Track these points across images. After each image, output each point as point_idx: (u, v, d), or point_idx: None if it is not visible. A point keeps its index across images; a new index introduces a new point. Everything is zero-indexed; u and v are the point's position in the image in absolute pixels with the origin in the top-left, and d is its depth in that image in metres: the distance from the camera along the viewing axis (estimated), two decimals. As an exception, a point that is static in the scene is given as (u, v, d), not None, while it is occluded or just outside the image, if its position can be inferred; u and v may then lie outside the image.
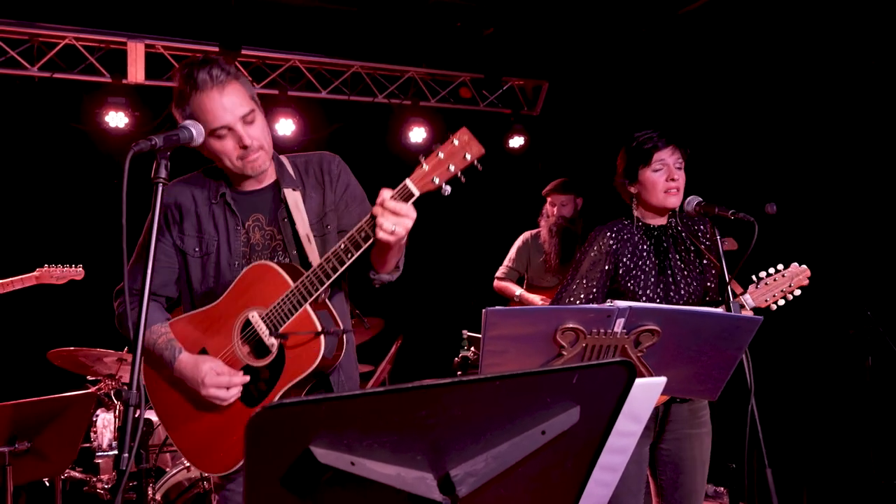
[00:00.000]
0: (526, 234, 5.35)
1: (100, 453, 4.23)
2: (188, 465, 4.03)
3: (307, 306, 2.06)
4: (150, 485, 3.92)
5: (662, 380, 1.40)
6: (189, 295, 2.28)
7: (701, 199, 2.58)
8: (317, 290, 2.04)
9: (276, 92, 6.03)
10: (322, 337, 2.06)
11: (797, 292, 2.62)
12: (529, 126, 6.92)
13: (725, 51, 5.28)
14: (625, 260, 2.65)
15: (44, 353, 4.08)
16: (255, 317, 2.12)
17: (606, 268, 2.65)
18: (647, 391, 1.36)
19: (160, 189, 1.80)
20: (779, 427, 4.21)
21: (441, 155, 1.92)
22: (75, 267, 4.49)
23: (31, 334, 5.16)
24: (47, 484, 4.12)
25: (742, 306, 2.60)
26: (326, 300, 2.18)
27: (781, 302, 2.63)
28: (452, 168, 1.92)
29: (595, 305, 2.42)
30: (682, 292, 2.66)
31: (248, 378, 2.14)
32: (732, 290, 2.44)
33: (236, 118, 2.08)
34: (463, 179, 1.96)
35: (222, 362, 2.16)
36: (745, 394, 2.30)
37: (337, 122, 6.61)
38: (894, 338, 3.75)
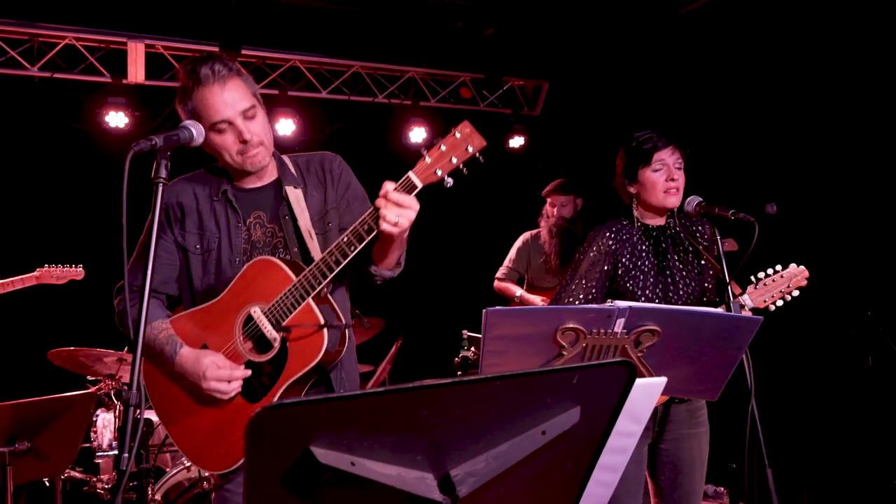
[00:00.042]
0: (526, 235, 5.35)
1: (100, 453, 4.23)
2: (188, 465, 4.03)
3: (310, 300, 2.07)
4: (150, 485, 3.92)
5: (663, 380, 1.40)
6: (189, 292, 2.28)
7: (701, 199, 2.58)
8: (320, 283, 2.05)
9: (276, 92, 6.03)
10: (325, 330, 2.07)
11: (795, 293, 2.63)
12: (529, 126, 6.92)
13: (725, 51, 5.28)
14: (624, 260, 2.65)
15: (44, 353, 4.08)
16: (257, 312, 2.12)
17: (605, 268, 2.65)
18: (647, 391, 1.36)
19: (160, 189, 1.80)
20: (779, 427, 4.21)
21: (443, 147, 1.94)
22: (75, 267, 4.49)
23: (31, 334, 5.16)
24: (47, 484, 4.12)
25: (742, 307, 2.60)
26: (328, 295, 2.18)
27: (780, 303, 2.63)
28: (455, 160, 1.94)
29: (595, 305, 2.42)
30: (681, 293, 2.66)
31: (249, 372, 2.14)
32: (731, 291, 2.44)
33: (237, 113, 2.10)
34: (465, 171, 1.98)
35: (224, 356, 2.16)
36: (745, 394, 2.30)
37: (337, 122, 6.61)
38: (894, 338, 3.75)
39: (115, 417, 4.26)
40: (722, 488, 4.83)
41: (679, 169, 2.65)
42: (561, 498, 1.23)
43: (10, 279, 4.29)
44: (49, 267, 4.40)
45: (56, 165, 5.80)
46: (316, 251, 2.18)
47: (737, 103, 5.22)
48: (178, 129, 1.93)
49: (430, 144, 1.97)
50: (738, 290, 2.64)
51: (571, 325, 1.97)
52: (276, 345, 2.11)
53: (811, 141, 4.78)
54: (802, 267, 2.63)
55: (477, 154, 1.95)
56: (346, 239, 2.02)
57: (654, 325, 2.00)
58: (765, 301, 2.61)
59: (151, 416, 3.78)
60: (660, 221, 2.73)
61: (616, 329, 2.00)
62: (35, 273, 4.36)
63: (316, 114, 6.46)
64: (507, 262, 5.34)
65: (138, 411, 1.66)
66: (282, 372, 2.11)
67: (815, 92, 4.76)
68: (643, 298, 2.63)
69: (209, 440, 2.20)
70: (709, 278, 2.72)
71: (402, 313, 5.58)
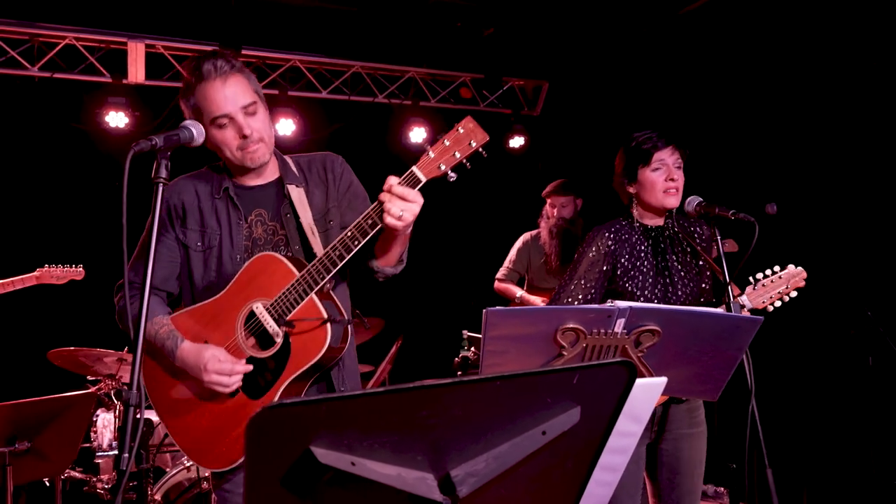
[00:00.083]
0: (526, 236, 5.35)
1: (100, 453, 4.23)
2: (188, 465, 4.03)
3: (313, 295, 2.07)
4: (150, 485, 3.92)
5: (663, 380, 1.40)
6: (190, 290, 2.28)
7: (701, 199, 2.58)
8: (323, 278, 2.05)
9: (276, 92, 6.03)
10: (329, 325, 2.07)
11: (793, 294, 2.63)
12: (530, 126, 6.92)
13: (726, 51, 5.28)
14: (623, 261, 2.65)
15: (44, 353, 4.08)
16: (259, 308, 2.12)
17: (605, 268, 2.65)
18: (647, 391, 1.36)
19: (160, 189, 1.80)
20: (779, 427, 4.21)
21: (447, 142, 1.97)
22: (76, 267, 4.49)
23: (31, 334, 5.16)
24: (47, 484, 4.12)
25: (742, 307, 2.60)
26: (331, 291, 2.19)
27: (778, 304, 2.64)
28: (458, 155, 1.97)
29: (596, 306, 2.42)
30: (680, 293, 2.66)
31: (250, 367, 2.14)
32: (731, 291, 2.44)
33: (237, 108, 2.12)
34: (468, 166, 2.00)
35: (225, 350, 2.16)
36: (745, 394, 2.30)
37: (337, 122, 6.61)
38: (894, 338, 3.75)
39: (115, 417, 4.26)
40: (722, 488, 4.83)
41: (678, 169, 2.65)
42: (561, 498, 1.23)
43: (11, 279, 4.29)
44: (49, 267, 4.40)
45: (56, 165, 5.80)
46: (318, 248, 2.18)
47: (737, 103, 5.22)
48: (179, 129, 1.93)
49: (433, 140, 2.00)
50: (736, 291, 2.64)
51: (572, 326, 1.97)
52: (279, 340, 2.11)
53: (811, 141, 4.78)
54: (800, 268, 2.64)
55: (480, 149, 1.98)
56: (349, 234, 2.03)
57: (655, 326, 2.00)
58: (763, 302, 2.62)
59: (151, 416, 3.78)
60: (658, 222, 2.73)
61: (616, 329, 2.00)
62: (35, 273, 4.36)
63: (316, 114, 6.46)
64: (507, 263, 5.34)
65: (138, 411, 1.66)
66: (284, 368, 2.11)
67: (815, 92, 4.76)
68: (642, 299, 2.63)
69: (210, 437, 2.19)
70: (706, 279, 2.72)
71: (402, 313, 5.58)
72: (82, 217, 5.65)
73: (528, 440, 1.10)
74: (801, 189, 4.69)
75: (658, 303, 2.63)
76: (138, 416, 1.66)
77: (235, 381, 2.13)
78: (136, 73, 5.79)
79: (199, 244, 2.25)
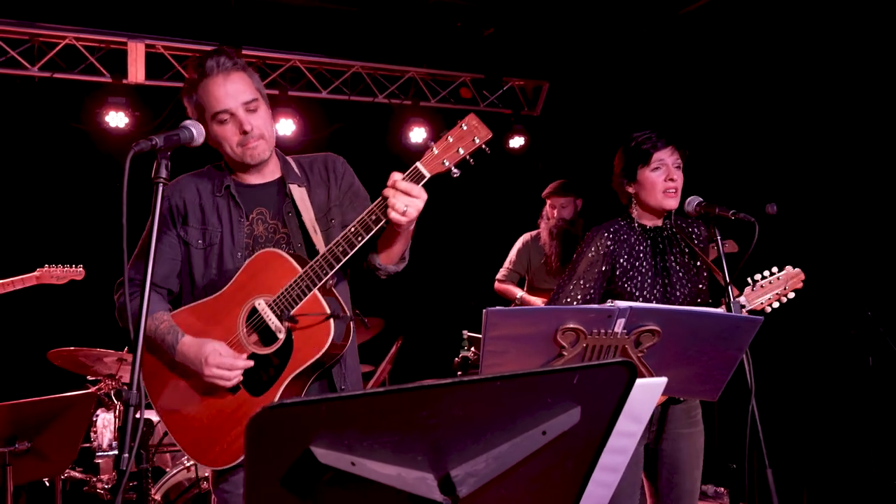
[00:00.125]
0: (526, 236, 5.35)
1: (100, 453, 4.23)
2: (188, 464, 4.03)
3: (316, 291, 2.07)
4: (150, 485, 3.92)
5: (663, 380, 1.40)
6: (190, 288, 2.28)
7: (701, 199, 2.58)
8: (326, 273, 2.06)
9: (276, 92, 6.03)
10: (332, 321, 2.07)
11: (791, 295, 2.64)
12: (530, 126, 6.92)
13: (726, 51, 5.28)
14: (622, 261, 2.65)
15: (44, 353, 4.08)
16: (261, 304, 2.12)
17: (603, 269, 2.65)
18: (647, 391, 1.36)
19: (160, 189, 1.80)
20: (779, 427, 4.21)
21: (450, 139, 1.99)
22: (76, 267, 4.49)
23: (31, 334, 5.16)
24: (47, 484, 4.12)
25: (742, 307, 2.60)
26: (333, 288, 2.19)
27: (776, 305, 2.64)
28: (462, 151, 1.99)
29: (596, 306, 2.42)
30: (678, 294, 2.66)
31: (251, 362, 2.13)
32: (730, 292, 2.44)
33: (238, 103, 2.14)
34: (472, 162, 2.02)
35: (227, 345, 2.15)
36: (745, 394, 2.30)
37: (337, 122, 6.61)
38: (894, 338, 3.75)
39: (115, 417, 4.26)
40: (722, 489, 4.83)
41: (678, 169, 2.65)
42: (561, 498, 1.23)
43: (11, 279, 4.29)
44: (49, 267, 4.40)
45: (56, 165, 5.80)
46: (320, 246, 2.19)
47: (737, 104, 5.22)
48: (179, 129, 1.93)
49: (436, 137, 2.02)
50: (735, 292, 2.64)
51: (572, 326, 1.97)
52: (282, 336, 2.11)
53: (811, 141, 4.78)
54: (798, 269, 2.64)
55: (483, 145, 2.00)
56: (353, 229, 2.04)
57: (655, 326, 2.00)
58: (761, 303, 2.62)
59: (151, 415, 3.77)
60: (657, 222, 2.73)
61: (616, 329, 2.00)
62: (35, 273, 4.36)
63: (316, 114, 6.46)
64: (507, 264, 5.34)
65: (138, 411, 1.66)
66: (287, 364, 2.11)
67: (814, 92, 4.76)
68: (641, 299, 2.63)
69: (210, 435, 2.18)
70: (703, 280, 2.72)
71: (402, 313, 5.58)
72: (82, 217, 5.64)
73: (529, 440, 1.10)
74: (801, 189, 4.69)
75: (657, 303, 2.63)
76: (138, 416, 1.65)
77: (236, 376, 2.12)
78: (136, 73, 5.79)
79: (200, 242, 2.25)
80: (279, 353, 2.12)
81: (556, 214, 5.16)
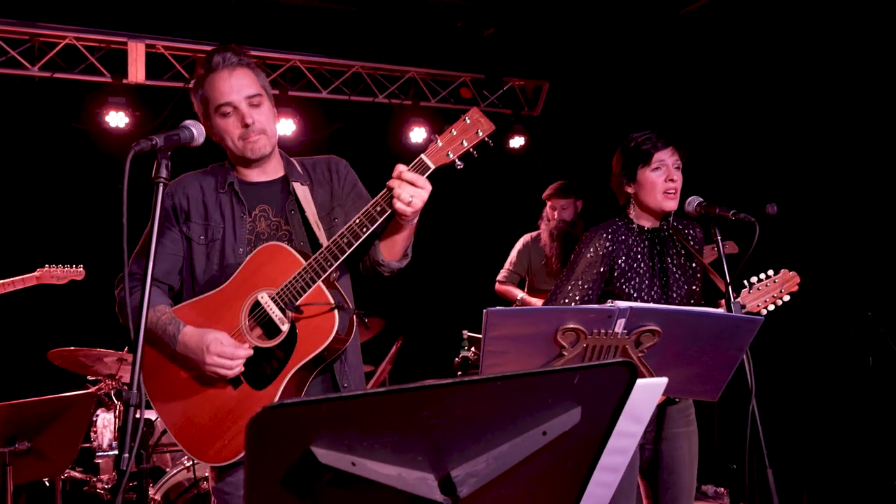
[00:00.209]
0: (526, 237, 5.34)
1: (100, 453, 4.23)
2: (188, 464, 4.02)
3: (320, 283, 2.07)
4: (150, 485, 3.92)
5: (663, 380, 1.40)
6: (191, 284, 2.27)
7: (701, 199, 2.58)
8: (331, 265, 2.06)
9: (276, 92, 5.96)
10: (336, 312, 2.07)
11: (786, 298, 2.64)
12: (530, 126, 6.92)
13: (726, 51, 5.28)
14: (620, 262, 2.65)
15: (44, 353, 4.08)
16: (264, 297, 2.12)
17: (602, 270, 2.64)
18: (648, 392, 1.36)
19: (160, 189, 1.80)
20: (780, 428, 4.21)
21: (454, 132, 2.03)
22: (76, 267, 4.49)
23: (31, 334, 5.16)
24: (47, 484, 4.12)
25: (743, 307, 2.60)
26: (336, 282, 2.19)
27: (771, 307, 2.64)
28: (465, 143, 2.03)
29: (596, 306, 2.42)
30: (674, 295, 2.66)
31: (251, 352, 2.12)
32: (730, 293, 2.44)
33: (241, 97, 2.17)
34: (475, 154, 2.06)
35: (228, 335, 2.14)
36: (745, 394, 2.30)
37: (337, 122, 6.61)
38: (895, 338, 3.75)
39: (115, 417, 4.26)
40: (722, 489, 4.83)
41: (678, 170, 2.65)
42: (561, 498, 1.23)
43: (11, 279, 4.29)
44: (50, 267, 4.40)
45: (56, 165, 5.80)
46: (324, 242, 2.18)
47: (737, 104, 5.22)
48: (179, 129, 1.93)
49: (440, 131, 2.06)
50: (732, 295, 2.64)
51: (572, 326, 1.97)
52: (285, 328, 2.10)
53: (811, 141, 4.78)
54: (793, 272, 2.65)
55: (486, 138, 2.04)
56: (358, 221, 2.06)
57: (655, 326, 2.00)
58: (758, 305, 2.62)
59: (151, 415, 3.77)
60: (655, 223, 2.73)
61: (617, 329, 2.00)
62: (36, 273, 4.36)
63: (316, 114, 6.46)
64: (507, 265, 5.34)
65: (138, 411, 1.66)
66: (290, 356, 2.10)
67: (815, 92, 4.76)
68: (638, 301, 2.62)
69: (211, 431, 2.16)
70: (697, 282, 2.72)
71: (402, 313, 5.58)
72: (82, 217, 5.64)
73: (529, 440, 1.10)
74: (801, 189, 4.69)
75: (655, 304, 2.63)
76: (138, 416, 1.65)
77: (238, 366, 2.11)
78: (137, 73, 5.79)
79: (202, 237, 2.25)
80: (282, 346, 2.11)
81: (556, 216, 5.15)
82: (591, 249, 2.67)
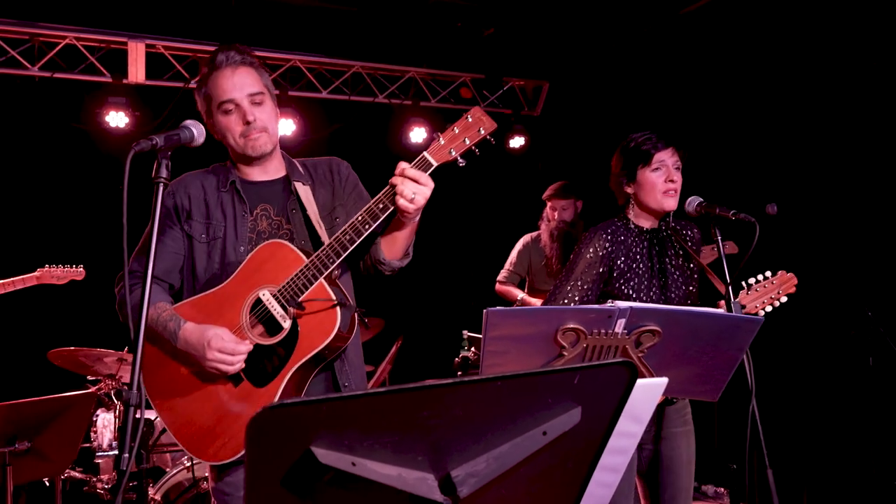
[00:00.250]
0: (526, 237, 5.34)
1: (100, 453, 4.23)
2: (188, 464, 4.02)
3: (322, 280, 2.07)
4: (150, 485, 3.92)
5: (664, 380, 1.40)
6: (192, 282, 2.27)
7: (702, 199, 2.58)
8: (333, 262, 2.06)
9: (276, 92, 6.02)
10: (338, 308, 2.07)
11: (784, 299, 2.64)
12: (530, 126, 6.92)
13: (726, 51, 5.28)
14: (619, 262, 2.64)
15: (44, 353, 4.08)
16: (266, 295, 2.12)
17: (601, 270, 2.64)
18: (648, 392, 1.36)
19: (160, 189, 1.81)
20: (780, 428, 4.21)
21: (456, 130, 2.05)
22: (76, 267, 4.49)
23: (31, 334, 5.16)
24: (47, 484, 4.12)
25: (743, 307, 2.60)
26: (337, 280, 2.19)
27: (769, 308, 2.64)
28: (468, 141, 2.04)
29: (596, 306, 2.42)
30: (673, 296, 2.66)
31: (251, 346, 2.12)
32: (729, 293, 2.44)
33: (243, 95, 2.19)
34: (477, 152, 2.07)
35: (229, 331, 2.14)
36: (746, 394, 2.30)
37: (337, 122, 6.61)
38: (895, 338, 3.75)
39: (115, 417, 4.26)
40: (722, 489, 4.83)
41: (678, 170, 2.65)
42: (562, 498, 1.23)
43: (11, 279, 4.29)
44: (50, 267, 4.40)
45: (56, 165, 5.80)
46: (326, 240, 2.18)
47: (737, 104, 5.22)
48: (179, 129, 1.93)
49: (440, 131, 2.07)
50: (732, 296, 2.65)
51: (572, 326, 1.97)
52: (287, 325, 2.10)
53: (811, 141, 4.78)
54: (791, 273, 2.65)
55: (488, 136, 2.05)
56: (360, 218, 2.06)
57: (655, 326, 2.00)
58: (756, 307, 2.62)
59: (151, 415, 3.77)
60: (654, 224, 2.73)
61: (617, 329, 2.00)
62: (36, 273, 4.36)
63: (316, 114, 6.46)
64: (507, 266, 5.34)
65: (138, 411, 1.66)
66: (292, 353, 2.09)
67: (815, 92, 4.76)
68: (637, 301, 2.62)
69: (211, 428, 2.16)
70: (694, 283, 2.72)
71: (402, 313, 5.58)
72: (82, 217, 5.64)
73: (529, 440, 1.10)
74: (801, 189, 4.69)
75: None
76: (138, 416, 1.65)
77: (239, 362, 2.10)
78: (137, 72, 5.78)
79: (203, 235, 2.26)
80: (283, 343, 2.11)
81: (556, 216, 5.15)
82: (591, 250, 2.67)
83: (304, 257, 2.10)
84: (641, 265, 2.66)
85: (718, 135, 5.20)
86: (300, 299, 2.07)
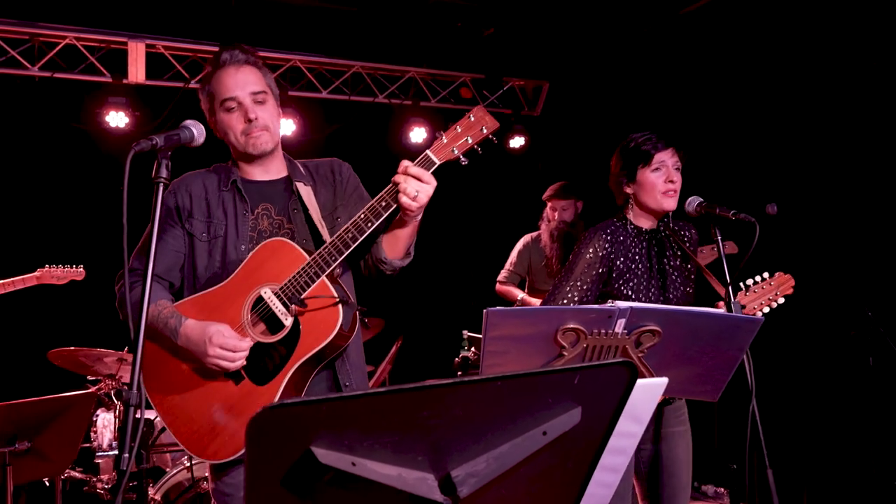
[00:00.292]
0: (526, 237, 5.34)
1: (100, 453, 4.23)
2: (188, 464, 4.02)
3: (324, 278, 2.07)
4: (150, 485, 3.92)
5: (664, 380, 1.40)
6: (192, 281, 2.27)
7: (702, 199, 2.58)
8: (335, 260, 2.07)
9: (279, 92, 6.02)
10: (340, 306, 2.07)
11: (781, 300, 2.65)
12: (530, 126, 6.92)
13: (726, 51, 5.28)
14: (618, 263, 2.64)
15: (44, 353, 4.08)
16: (267, 293, 2.12)
17: (600, 270, 2.64)
18: (648, 392, 1.36)
19: (161, 189, 1.81)
20: (780, 428, 4.21)
21: (459, 129, 2.07)
22: (76, 267, 4.49)
23: (31, 334, 5.16)
24: (47, 484, 4.12)
25: (743, 307, 2.60)
26: (339, 279, 2.19)
27: (766, 310, 2.64)
28: (470, 140, 2.06)
29: (596, 306, 2.42)
30: (672, 296, 2.67)
31: (251, 342, 2.12)
32: (729, 293, 2.44)
33: (246, 93, 2.20)
34: (479, 151, 2.09)
35: (231, 328, 2.13)
36: (746, 394, 2.30)
37: (337, 122, 6.61)
38: (895, 338, 3.75)
39: (115, 417, 4.26)
40: (722, 489, 4.83)
41: (677, 171, 2.65)
42: (562, 498, 1.23)
43: (11, 279, 4.29)
44: (50, 267, 4.40)
45: (56, 165, 5.80)
46: (328, 240, 2.18)
47: (737, 104, 5.22)
48: (179, 129, 1.93)
49: (443, 129, 2.08)
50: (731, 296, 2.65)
51: (572, 326, 1.97)
52: (288, 323, 2.09)
53: (811, 142, 4.78)
54: (788, 275, 2.66)
55: (490, 135, 2.07)
56: (362, 216, 2.07)
57: (655, 326, 2.00)
58: (754, 308, 2.62)
59: (151, 415, 3.77)
60: (652, 224, 2.73)
61: (617, 329, 2.00)
62: (36, 273, 4.36)
63: (316, 114, 6.46)
64: (508, 266, 5.34)
65: (138, 411, 1.66)
66: (293, 351, 2.09)
67: (815, 92, 4.76)
68: (636, 301, 2.62)
69: (212, 427, 2.15)
70: (691, 283, 2.73)
71: (402, 313, 5.58)
72: (82, 217, 5.65)
73: (529, 440, 1.10)
74: (801, 189, 4.69)
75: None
76: (138, 416, 1.65)
77: (240, 359, 2.10)
78: (137, 72, 5.79)
79: (204, 234, 2.26)
80: (285, 341, 2.11)
81: (556, 217, 5.15)
82: (590, 250, 2.67)
83: (305, 255, 2.10)
84: (640, 266, 2.66)
85: (718, 135, 5.20)
86: (302, 297, 2.07)
